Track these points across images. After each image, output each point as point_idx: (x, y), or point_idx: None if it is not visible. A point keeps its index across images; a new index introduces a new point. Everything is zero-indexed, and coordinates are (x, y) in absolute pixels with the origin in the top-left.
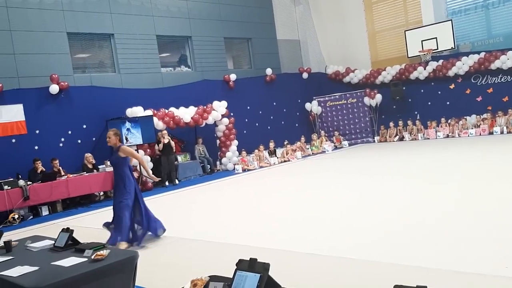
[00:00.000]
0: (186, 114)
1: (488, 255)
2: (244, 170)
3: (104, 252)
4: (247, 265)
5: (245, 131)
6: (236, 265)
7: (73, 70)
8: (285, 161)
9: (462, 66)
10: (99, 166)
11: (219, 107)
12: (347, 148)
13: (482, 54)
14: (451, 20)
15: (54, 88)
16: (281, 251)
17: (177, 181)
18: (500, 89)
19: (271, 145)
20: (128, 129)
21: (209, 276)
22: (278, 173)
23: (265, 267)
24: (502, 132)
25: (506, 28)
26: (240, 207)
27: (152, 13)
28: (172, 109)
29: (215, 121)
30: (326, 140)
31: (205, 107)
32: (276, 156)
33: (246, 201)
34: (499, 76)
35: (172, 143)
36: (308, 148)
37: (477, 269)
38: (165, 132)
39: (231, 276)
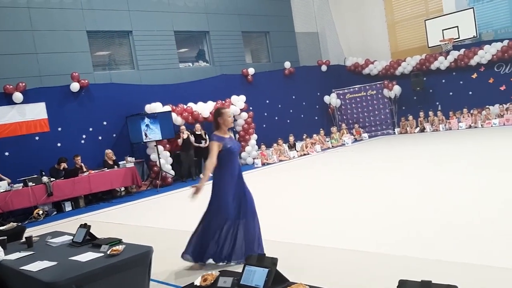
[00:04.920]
0: (204, 109)
1: None
2: (263, 164)
3: (120, 247)
4: (256, 259)
5: (264, 125)
6: (245, 260)
7: (93, 68)
8: (304, 154)
9: (485, 54)
10: (120, 162)
11: (238, 101)
12: (367, 140)
13: (506, 42)
14: (473, 8)
15: (75, 86)
16: (310, 246)
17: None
18: None
19: (291, 138)
20: (147, 125)
21: (219, 271)
22: (297, 167)
23: (273, 261)
24: None
25: None
26: (259, 201)
27: (169, 9)
28: (191, 104)
29: (234, 116)
30: (347, 133)
31: (223, 101)
32: (295, 149)
33: (266, 195)
34: None
35: (192, 138)
36: (327, 141)
37: None
38: (183, 127)
39: (241, 271)
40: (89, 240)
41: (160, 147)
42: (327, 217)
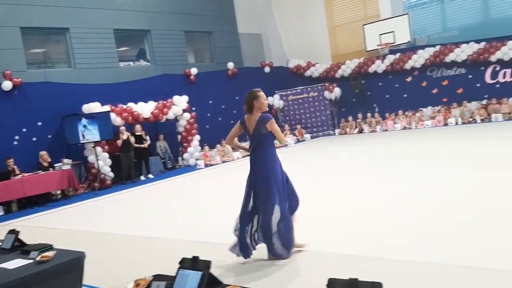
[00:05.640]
0: (145, 109)
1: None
2: (206, 165)
3: (50, 253)
4: (190, 263)
5: (207, 126)
6: (179, 263)
7: (27, 66)
8: (248, 155)
9: (418, 59)
10: (55, 164)
11: (180, 101)
12: (309, 141)
13: (438, 47)
14: (408, 14)
15: (7, 85)
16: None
17: (150, 176)
18: (454, 82)
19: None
20: (84, 126)
21: (153, 276)
22: (240, 168)
23: (207, 264)
24: (456, 123)
25: (460, 21)
26: (200, 202)
27: (109, 6)
28: (131, 104)
29: (176, 116)
30: (289, 134)
31: (165, 102)
32: (238, 150)
33: (206, 196)
34: (454, 69)
35: (132, 139)
36: None
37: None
38: (123, 128)
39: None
40: (18, 247)
41: (99, 149)
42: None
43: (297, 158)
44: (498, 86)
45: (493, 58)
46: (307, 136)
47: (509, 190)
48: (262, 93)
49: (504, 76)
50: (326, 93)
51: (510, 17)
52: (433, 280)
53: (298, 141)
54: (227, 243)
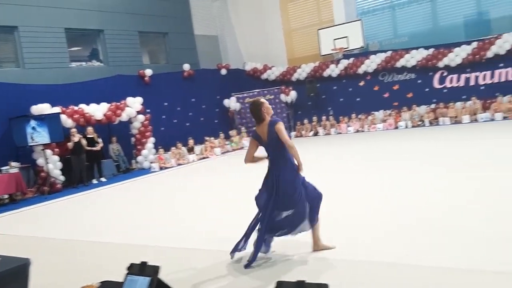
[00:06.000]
0: (97, 111)
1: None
2: (161, 168)
3: None
4: (138, 268)
5: (162, 128)
6: (127, 269)
7: None
8: (204, 158)
9: (371, 64)
10: (2, 168)
11: (134, 103)
12: None
13: (389, 53)
14: (361, 20)
15: None
16: (192, 250)
17: (103, 179)
18: (405, 86)
19: (190, 142)
20: (33, 128)
21: (100, 282)
22: (196, 170)
23: (155, 270)
24: (406, 126)
25: (410, 28)
26: (152, 206)
27: (60, 5)
28: (83, 105)
29: (129, 118)
30: (246, 136)
31: (118, 103)
32: (194, 153)
33: (159, 200)
34: (404, 74)
35: (84, 141)
36: (227, 144)
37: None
38: (74, 130)
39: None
40: None
41: (48, 151)
42: (221, 220)
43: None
44: (445, 91)
45: (440, 64)
46: None
47: (464, 190)
48: (264, 100)
49: (451, 82)
50: (282, 96)
51: (457, 25)
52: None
53: None
54: (178, 247)
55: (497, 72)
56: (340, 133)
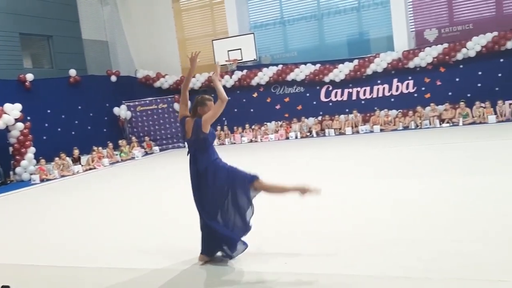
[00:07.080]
0: None
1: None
2: (42, 180)
3: None
4: None
5: (44, 137)
6: None
7: None
8: (90, 169)
9: (263, 76)
10: None
11: (12, 110)
12: (158, 153)
13: (280, 67)
14: (253, 33)
15: None
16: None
17: None
18: (295, 99)
19: (75, 152)
20: None
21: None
22: (80, 183)
23: None
24: (296, 137)
25: (299, 44)
26: (32, 222)
27: None
28: None
29: (7, 126)
30: (137, 146)
31: None
32: (80, 164)
33: (39, 215)
34: (294, 87)
35: None
36: (116, 155)
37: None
38: None
39: None
40: None
41: None
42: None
43: (145, 171)
44: (331, 104)
45: (326, 79)
46: (156, 148)
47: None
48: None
49: (335, 96)
50: (176, 105)
51: (341, 43)
52: None
53: (147, 153)
54: (60, 266)
55: (375, 88)
56: (235, 143)
